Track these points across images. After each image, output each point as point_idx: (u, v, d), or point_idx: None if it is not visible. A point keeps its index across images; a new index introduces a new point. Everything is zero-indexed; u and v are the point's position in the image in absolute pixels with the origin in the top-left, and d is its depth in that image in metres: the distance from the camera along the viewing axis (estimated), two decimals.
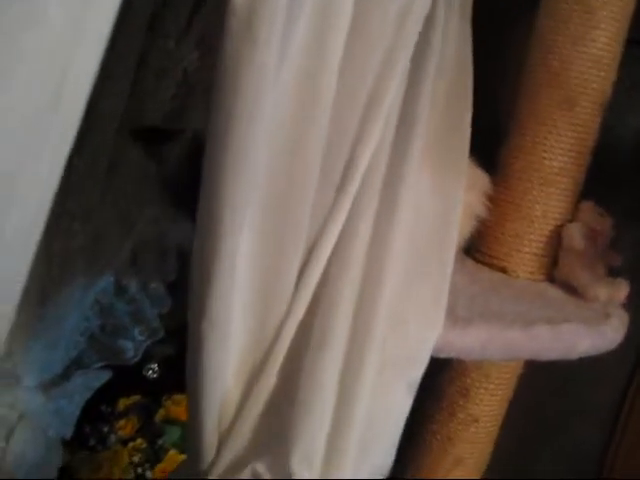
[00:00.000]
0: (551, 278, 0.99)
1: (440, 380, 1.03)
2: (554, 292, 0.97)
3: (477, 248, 1.01)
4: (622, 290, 0.97)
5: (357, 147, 0.73)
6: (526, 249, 0.98)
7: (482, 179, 0.98)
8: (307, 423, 0.73)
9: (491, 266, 0.99)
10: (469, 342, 0.81)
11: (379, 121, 0.73)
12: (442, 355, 0.80)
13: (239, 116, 0.64)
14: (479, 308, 0.86)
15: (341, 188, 0.74)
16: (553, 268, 0.99)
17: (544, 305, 0.92)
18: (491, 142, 1.00)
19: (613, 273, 1.00)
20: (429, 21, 0.78)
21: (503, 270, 0.98)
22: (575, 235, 0.96)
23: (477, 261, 1.01)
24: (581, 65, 0.93)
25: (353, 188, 0.73)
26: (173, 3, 1.01)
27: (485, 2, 0.92)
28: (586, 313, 0.92)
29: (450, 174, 0.86)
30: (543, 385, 1.17)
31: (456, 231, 0.84)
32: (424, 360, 0.79)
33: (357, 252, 0.75)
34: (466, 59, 0.88)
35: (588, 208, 0.99)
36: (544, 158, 0.96)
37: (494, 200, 0.99)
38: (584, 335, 0.87)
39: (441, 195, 0.85)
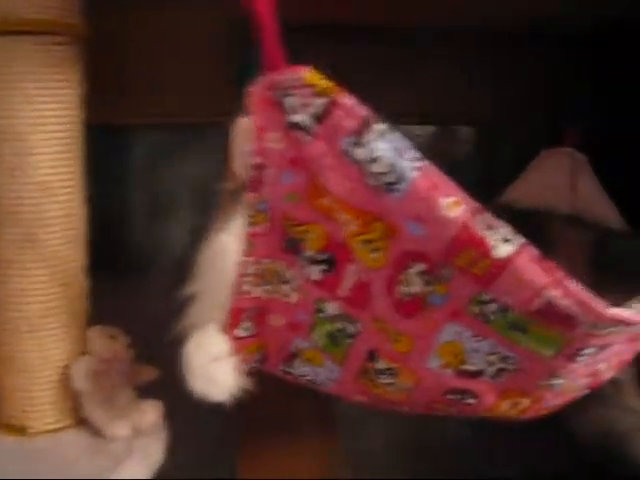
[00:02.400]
0: (81, 422, 0.91)
1: None
2: (77, 442, 0.88)
3: None
4: (152, 413, 0.90)
5: None
6: (36, 402, 0.88)
7: None
8: None
9: (10, 428, 0.90)
10: None
11: None
12: None
13: None
14: None
15: None
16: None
17: (52, 469, 0.82)
18: None
19: None
20: None
21: (22, 430, 0.89)
22: (78, 375, 0.88)
23: None
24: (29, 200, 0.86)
25: None
26: None
27: None
28: (104, 460, 0.84)
29: None
30: None
31: None
32: None
33: None
34: None
35: (96, 336, 0.91)
36: (28, 303, 0.87)
37: None
38: None
39: None
